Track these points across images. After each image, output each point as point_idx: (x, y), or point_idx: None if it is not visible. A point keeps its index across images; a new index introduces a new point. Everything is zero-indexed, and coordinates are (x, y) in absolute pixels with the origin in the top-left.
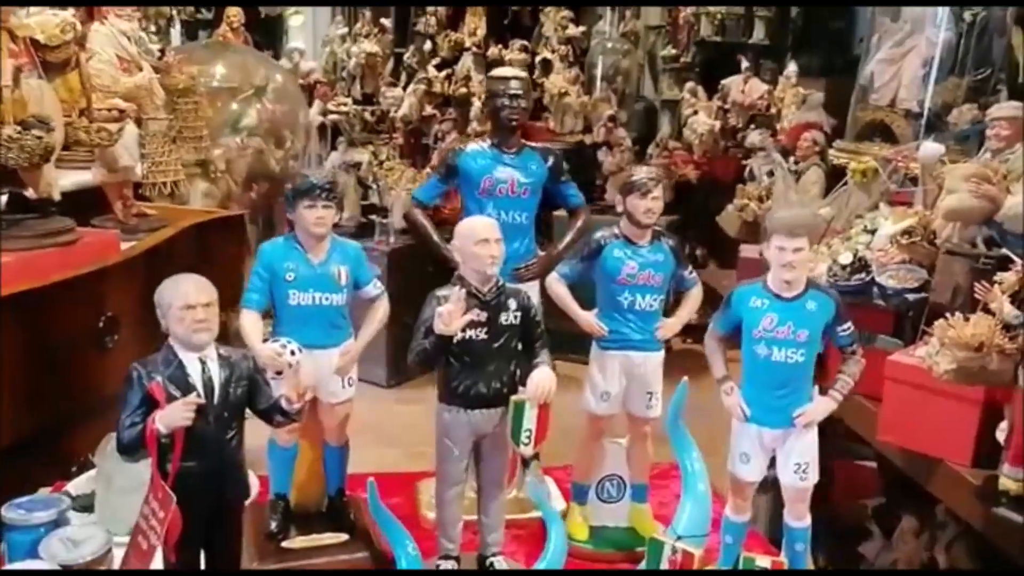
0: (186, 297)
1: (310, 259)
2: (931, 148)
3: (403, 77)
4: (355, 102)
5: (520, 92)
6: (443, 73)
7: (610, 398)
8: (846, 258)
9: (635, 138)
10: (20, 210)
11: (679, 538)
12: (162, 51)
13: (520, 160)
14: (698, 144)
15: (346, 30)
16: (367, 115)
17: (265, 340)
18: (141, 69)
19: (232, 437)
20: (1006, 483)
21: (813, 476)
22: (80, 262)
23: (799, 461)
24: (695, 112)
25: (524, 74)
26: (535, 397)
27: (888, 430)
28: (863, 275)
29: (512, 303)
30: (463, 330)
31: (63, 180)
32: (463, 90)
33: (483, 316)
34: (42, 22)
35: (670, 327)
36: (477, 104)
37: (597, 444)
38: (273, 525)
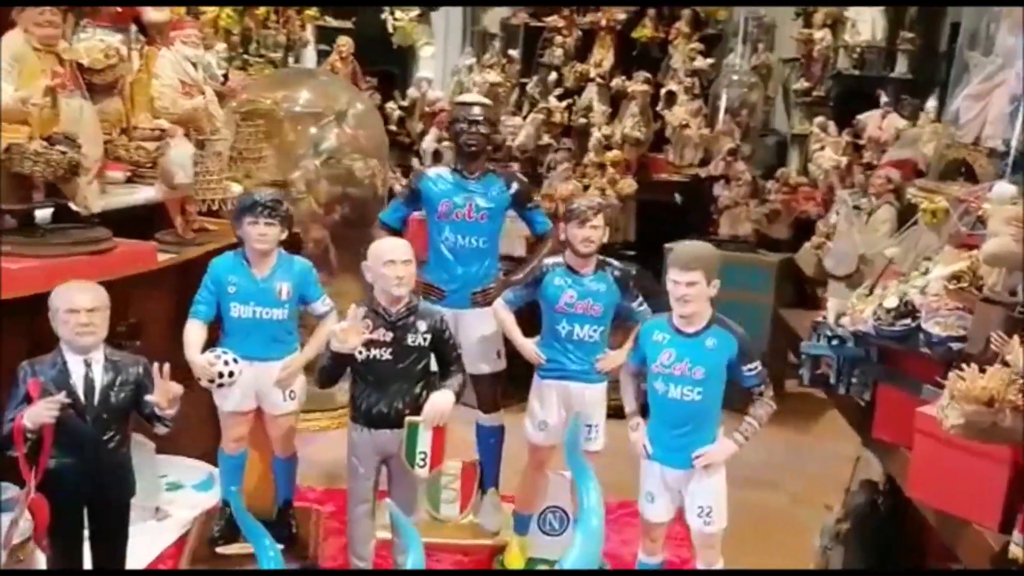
0: (70, 302)
1: (254, 274)
2: (1003, 189)
3: (525, 107)
4: None
5: (480, 118)
6: (563, 103)
7: (548, 428)
8: (891, 302)
9: (762, 173)
10: (66, 220)
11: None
12: (226, 76)
13: (481, 185)
14: (822, 180)
15: (474, 60)
16: None
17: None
18: (204, 93)
19: (112, 438)
20: (1015, 551)
21: (719, 521)
22: (110, 270)
23: (702, 504)
24: (822, 147)
25: (487, 101)
26: (428, 419)
27: (918, 486)
28: (908, 320)
29: (422, 325)
30: (367, 349)
31: (136, 195)
32: (582, 120)
33: (388, 336)
34: (89, 47)
35: (611, 359)
36: (597, 135)
37: (540, 475)
38: (215, 531)
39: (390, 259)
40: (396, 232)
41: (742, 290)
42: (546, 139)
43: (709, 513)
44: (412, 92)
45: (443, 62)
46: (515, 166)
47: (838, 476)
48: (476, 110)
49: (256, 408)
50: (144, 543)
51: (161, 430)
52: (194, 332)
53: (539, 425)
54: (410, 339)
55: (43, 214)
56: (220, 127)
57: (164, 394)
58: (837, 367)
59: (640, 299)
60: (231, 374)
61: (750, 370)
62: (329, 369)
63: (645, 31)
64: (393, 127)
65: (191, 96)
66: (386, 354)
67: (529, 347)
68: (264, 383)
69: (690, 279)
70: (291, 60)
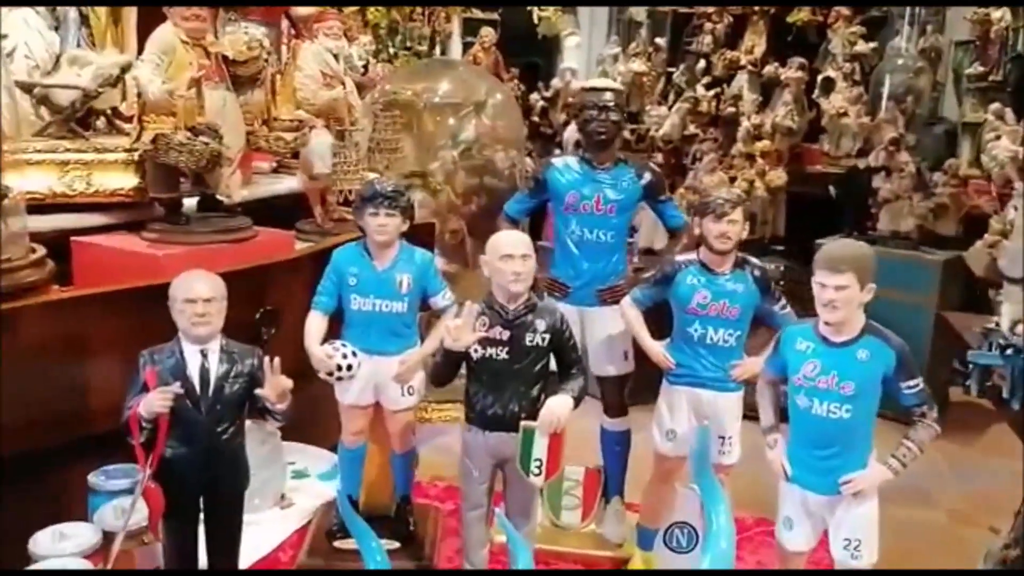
0: (188, 291)
1: (374, 265)
2: None
3: (671, 97)
4: None
5: (610, 104)
6: (711, 92)
7: (676, 437)
8: None
9: (929, 164)
10: (210, 209)
11: None
12: (365, 68)
13: (611, 176)
14: (997, 173)
15: (619, 49)
16: (625, 134)
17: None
18: (344, 84)
19: (226, 429)
20: None
21: (869, 555)
22: (249, 257)
23: (850, 536)
24: (997, 137)
25: (618, 86)
26: (544, 425)
27: None
28: None
29: (541, 324)
30: (482, 347)
31: (278, 185)
32: (731, 109)
33: (504, 335)
34: (233, 40)
35: (747, 367)
36: (746, 124)
37: (667, 487)
38: (333, 524)
39: (507, 253)
40: (519, 225)
41: (903, 290)
42: (692, 129)
43: (858, 547)
44: (556, 83)
45: (588, 52)
46: (658, 157)
47: (1005, 495)
48: (607, 96)
49: (375, 402)
50: (267, 531)
51: (272, 425)
52: (315, 323)
53: (667, 434)
54: (528, 338)
55: (190, 203)
56: (359, 118)
57: (275, 388)
58: (1011, 379)
59: (783, 301)
60: (349, 367)
61: (910, 387)
62: (442, 367)
63: (801, 15)
64: (536, 118)
65: (331, 87)
66: (502, 353)
67: (657, 350)
68: (383, 377)
69: (839, 282)
70: (436, 52)
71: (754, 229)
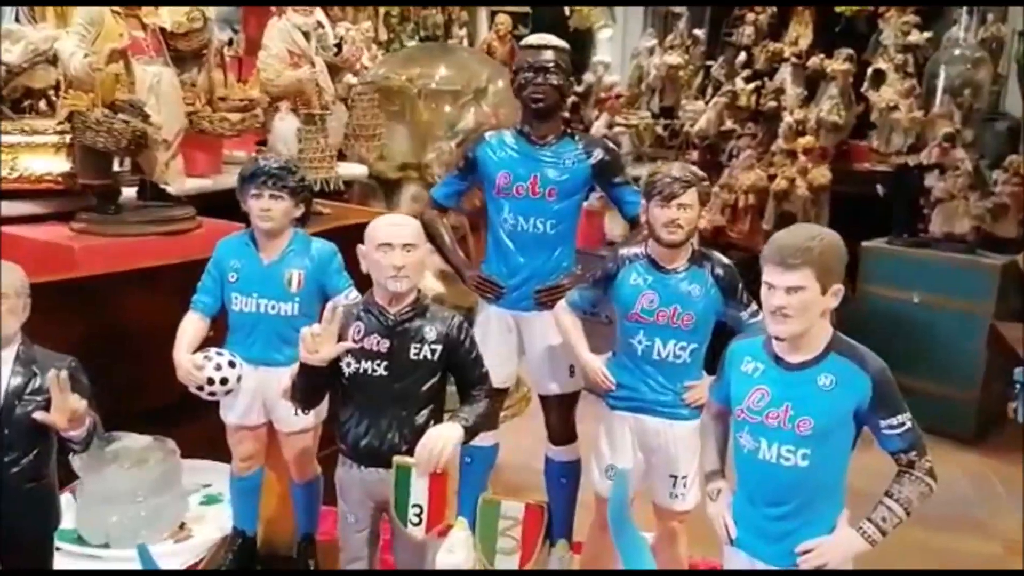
0: None
1: (260, 258)
2: None
3: (709, 91)
4: (653, 116)
5: (549, 65)
6: (751, 86)
7: (617, 475)
8: None
9: (990, 162)
10: (155, 198)
11: None
12: (339, 46)
13: (552, 153)
14: None
15: (655, 42)
16: (659, 129)
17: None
18: (313, 64)
19: (17, 459)
20: None
21: None
22: (189, 251)
23: None
24: None
25: (562, 43)
26: (422, 462)
27: None
28: None
29: (431, 331)
30: (356, 361)
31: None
32: (772, 104)
33: (383, 345)
34: (172, 11)
35: (705, 390)
36: (788, 119)
37: (609, 535)
38: (224, 563)
39: (385, 242)
40: (446, 212)
41: (957, 297)
42: (729, 124)
43: None
44: (588, 77)
45: (623, 45)
46: (693, 154)
47: None
48: (547, 55)
49: (267, 422)
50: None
51: (76, 463)
52: (189, 326)
53: (607, 471)
54: (413, 350)
55: (130, 192)
56: (330, 101)
57: (62, 411)
58: None
59: (753, 307)
60: (224, 380)
61: (892, 427)
62: (301, 387)
63: (851, 5)
64: (566, 113)
65: (298, 67)
66: (380, 368)
67: (595, 366)
68: (272, 393)
69: (791, 282)
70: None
71: None
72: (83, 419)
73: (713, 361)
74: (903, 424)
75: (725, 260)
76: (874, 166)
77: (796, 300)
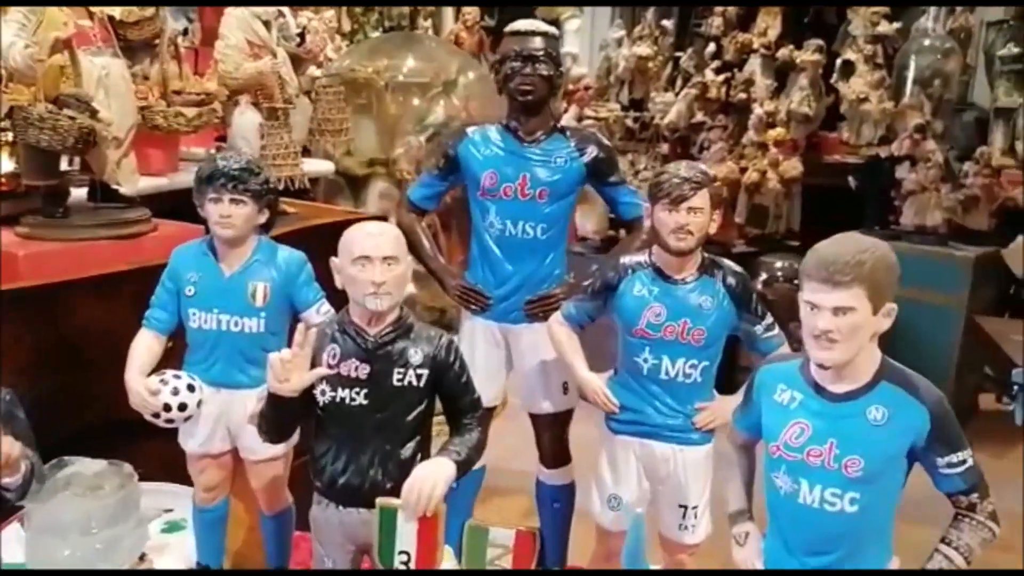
0: None
1: (220, 269)
2: None
3: (678, 82)
4: (623, 108)
5: (539, 54)
6: (721, 77)
7: (621, 505)
8: None
9: (959, 153)
10: (106, 200)
11: None
12: (301, 36)
13: (543, 151)
14: None
15: (623, 33)
16: (628, 121)
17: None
18: (275, 55)
19: None
20: None
21: None
22: (144, 256)
23: None
24: None
25: (551, 30)
26: (410, 505)
27: None
28: None
29: (415, 354)
30: (332, 389)
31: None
32: (742, 95)
33: (362, 370)
34: None
35: (717, 412)
36: (758, 111)
37: (612, 568)
38: None
39: (363, 255)
40: (424, 214)
41: (929, 290)
42: (700, 117)
43: None
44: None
45: (591, 36)
46: (664, 147)
47: None
48: (535, 42)
49: (232, 449)
50: None
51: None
52: (142, 345)
53: (609, 501)
54: (396, 375)
55: (79, 193)
56: (294, 95)
57: None
58: None
59: (769, 319)
60: (182, 406)
61: (952, 465)
62: (268, 418)
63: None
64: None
65: (259, 58)
66: (359, 397)
67: (595, 385)
68: (236, 418)
69: (841, 302)
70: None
71: (766, 224)
72: (17, 465)
73: (723, 378)
74: (964, 462)
75: (737, 268)
76: (845, 158)
77: (845, 323)
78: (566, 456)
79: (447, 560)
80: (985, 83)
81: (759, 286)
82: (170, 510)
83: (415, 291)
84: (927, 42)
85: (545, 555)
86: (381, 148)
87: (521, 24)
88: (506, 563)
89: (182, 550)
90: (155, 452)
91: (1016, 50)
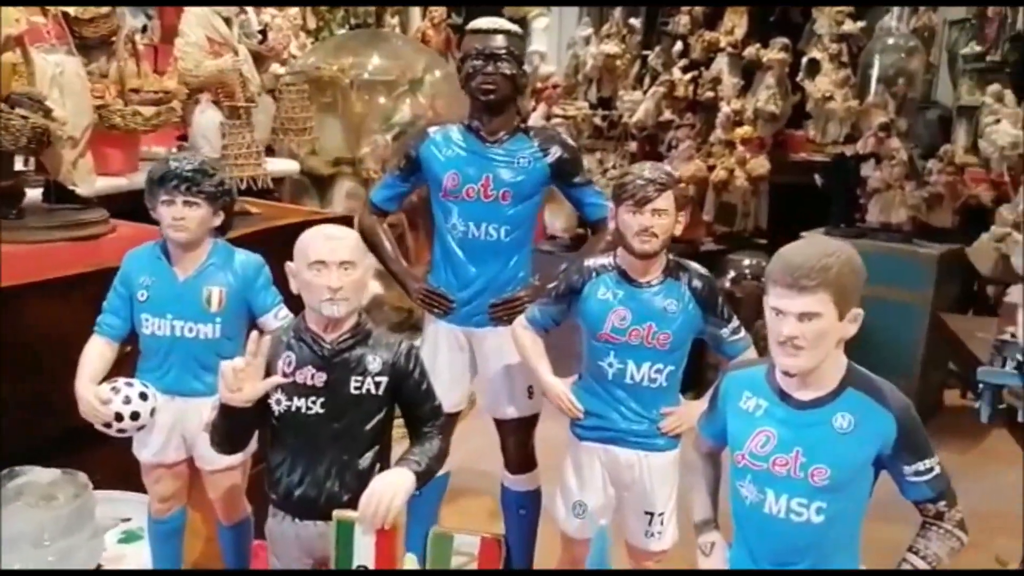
0: None
1: (174, 273)
2: None
3: (646, 80)
4: (591, 106)
5: (501, 52)
6: (688, 75)
7: (587, 513)
8: None
9: (922, 151)
10: (61, 200)
11: None
12: (263, 33)
13: (506, 151)
14: (997, 159)
15: (591, 31)
16: (597, 120)
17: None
18: (236, 53)
19: None
20: None
21: None
22: (101, 259)
23: None
24: (997, 121)
25: (514, 28)
26: (367, 518)
27: None
28: None
29: (374, 362)
30: (287, 398)
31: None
32: (710, 94)
33: (319, 379)
34: None
35: (684, 416)
36: (726, 109)
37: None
38: None
39: (319, 259)
40: (386, 216)
41: (894, 287)
42: (668, 115)
43: None
44: (525, 68)
45: (558, 35)
46: (632, 145)
47: (1009, 512)
48: (498, 40)
49: (188, 458)
50: None
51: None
52: (93, 352)
53: (575, 508)
54: (354, 383)
55: (35, 194)
56: (256, 93)
57: None
58: None
59: (735, 323)
60: (135, 415)
61: (919, 472)
62: (221, 429)
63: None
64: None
65: (220, 56)
66: (316, 406)
67: (559, 390)
68: (191, 426)
69: (806, 307)
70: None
71: (734, 221)
72: None
73: (692, 377)
74: (931, 469)
75: (703, 271)
76: (811, 156)
77: (811, 329)
78: (531, 462)
79: (409, 566)
80: (948, 81)
81: (727, 284)
82: (128, 519)
83: (382, 291)
84: (891, 41)
85: (511, 562)
86: (347, 147)
87: (483, 22)
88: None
89: (139, 561)
90: (115, 460)
91: (978, 49)
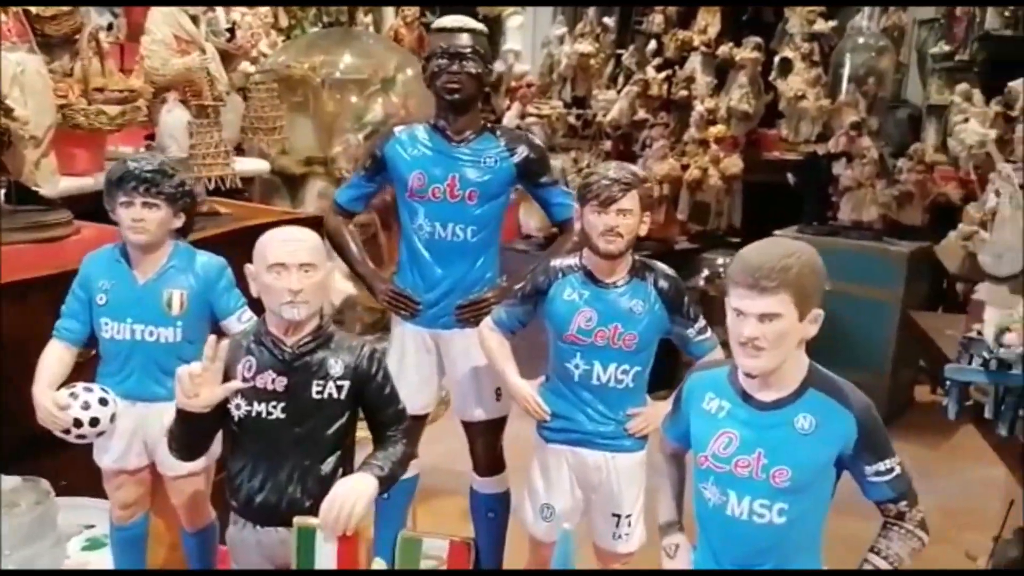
0: None
1: (134, 276)
2: None
3: (620, 80)
4: (566, 105)
5: (466, 51)
6: (662, 74)
7: (554, 515)
8: None
9: (892, 150)
10: (24, 201)
11: None
12: (231, 31)
13: (472, 151)
14: (965, 157)
15: (565, 30)
16: (571, 119)
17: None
18: (203, 50)
19: None
20: None
21: None
22: (65, 261)
23: None
24: (965, 120)
25: (479, 27)
26: (328, 524)
27: None
28: None
29: (336, 365)
30: (247, 403)
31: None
32: (684, 93)
33: (280, 383)
34: None
35: (650, 417)
36: (699, 108)
37: None
38: None
39: (278, 261)
40: (351, 216)
41: (865, 284)
42: (642, 114)
43: None
44: (498, 66)
45: (533, 34)
46: (606, 144)
47: (979, 507)
48: (463, 39)
49: (150, 464)
50: None
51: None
52: (51, 357)
53: (542, 511)
54: (315, 387)
55: None
56: (224, 92)
57: None
58: (997, 399)
59: (701, 323)
60: (94, 421)
61: (880, 473)
62: (179, 435)
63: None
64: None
65: (187, 54)
66: (276, 410)
67: (526, 392)
68: (152, 432)
69: (766, 308)
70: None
71: (708, 220)
72: None
73: (666, 375)
74: (892, 470)
75: (669, 271)
76: (784, 155)
77: (771, 330)
78: (500, 464)
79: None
80: (918, 80)
81: (701, 282)
82: (92, 526)
83: (355, 292)
84: (861, 40)
85: (480, 565)
86: (319, 146)
87: (448, 20)
88: None
89: (104, 569)
90: (80, 465)
91: (947, 48)
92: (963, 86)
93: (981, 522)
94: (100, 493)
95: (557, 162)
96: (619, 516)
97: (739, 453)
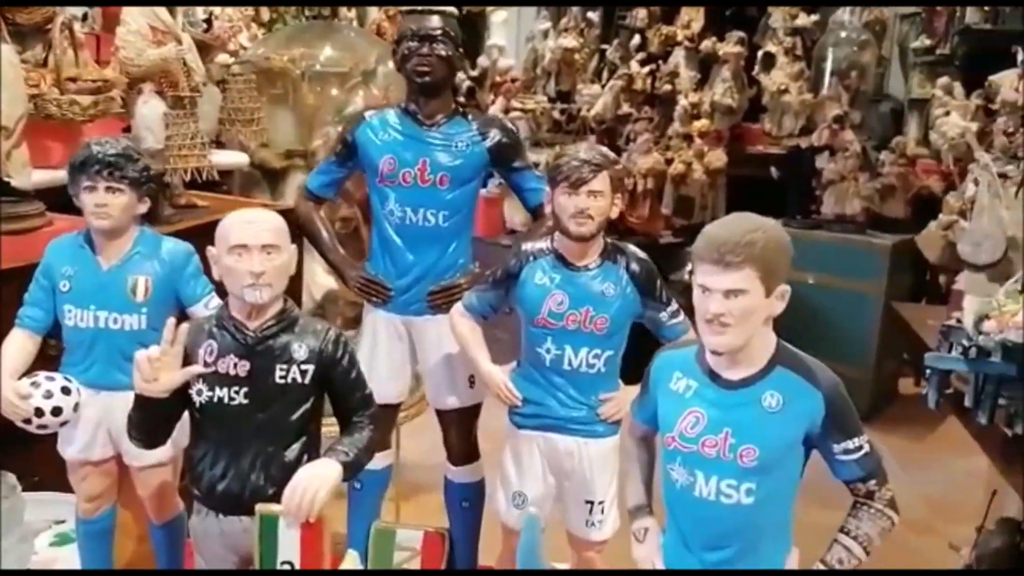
0: None
1: (98, 263)
2: None
3: (605, 74)
4: (550, 100)
5: (436, 33)
6: (646, 69)
7: (527, 503)
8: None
9: (875, 143)
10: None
11: None
12: (208, 22)
13: (443, 135)
14: (946, 150)
15: (550, 25)
16: (555, 113)
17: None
18: (180, 41)
19: None
20: None
21: None
22: (38, 253)
23: None
24: (946, 113)
25: (451, 9)
26: (291, 510)
27: None
28: None
29: (300, 349)
30: (209, 388)
31: None
32: (668, 87)
33: (242, 368)
34: None
35: (622, 401)
36: (683, 103)
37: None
38: None
39: (239, 243)
40: (322, 203)
41: (848, 278)
42: (626, 108)
43: None
44: (482, 61)
45: (517, 28)
46: (591, 138)
47: (963, 499)
48: (433, 21)
49: (116, 455)
50: None
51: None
52: (13, 346)
53: (514, 498)
54: (279, 372)
55: None
56: (200, 83)
57: None
58: (976, 387)
59: (674, 306)
60: (56, 410)
61: (848, 451)
62: (138, 421)
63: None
64: (462, 98)
65: (163, 44)
66: (239, 396)
67: (497, 378)
68: (118, 421)
69: (731, 284)
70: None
71: (692, 214)
72: None
73: (630, 368)
74: (860, 448)
75: (641, 254)
76: (767, 149)
77: (737, 306)
78: (474, 453)
79: (350, 562)
80: (899, 74)
81: (685, 276)
82: (62, 522)
83: (336, 287)
84: (843, 34)
85: (455, 556)
86: (299, 139)
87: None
88: (415, 566)
89: (73, 565)
90: (52, 460)
91: (928, 42)
92: (944, 80)
93: (965, 513)
94: (72, 488)
95: (541, 156)
96: (592, 503)
97: (706, 433)
